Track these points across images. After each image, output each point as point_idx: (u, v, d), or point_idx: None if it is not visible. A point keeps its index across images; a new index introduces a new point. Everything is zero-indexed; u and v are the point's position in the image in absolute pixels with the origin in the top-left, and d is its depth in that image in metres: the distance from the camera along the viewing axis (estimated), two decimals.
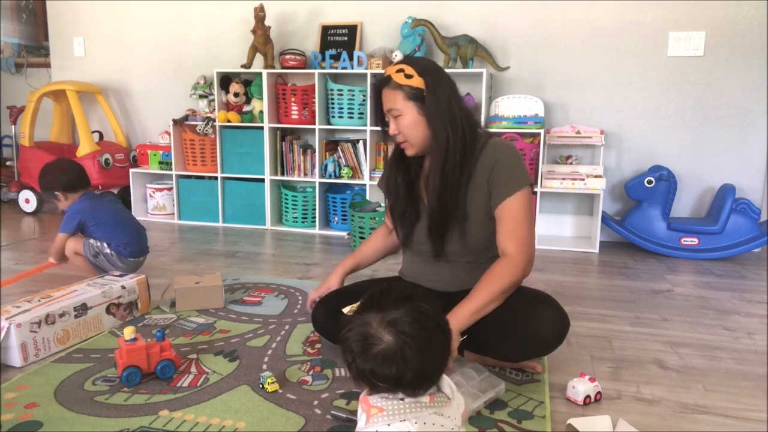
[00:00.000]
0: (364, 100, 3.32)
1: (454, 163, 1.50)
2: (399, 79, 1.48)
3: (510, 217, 1.49)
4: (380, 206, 3.14)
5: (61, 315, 1.71)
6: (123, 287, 1.94)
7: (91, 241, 2.32)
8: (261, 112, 3.50)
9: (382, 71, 3.20)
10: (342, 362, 1.02)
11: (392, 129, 1.52)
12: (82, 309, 1.78)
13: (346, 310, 1.20)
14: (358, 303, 1.03)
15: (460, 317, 1.41)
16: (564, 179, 3.09)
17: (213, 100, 3.62)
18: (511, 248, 1.47)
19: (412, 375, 0.93)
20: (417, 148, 1.53)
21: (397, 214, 1.65)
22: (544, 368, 1.61)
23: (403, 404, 0.95)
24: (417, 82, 1.47)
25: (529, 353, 1.54)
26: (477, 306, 1.43)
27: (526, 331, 1.47)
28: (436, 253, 1.60)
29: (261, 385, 1.47)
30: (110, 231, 2.33)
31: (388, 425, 0.93)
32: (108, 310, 1.88)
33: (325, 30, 3.55)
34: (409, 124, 1.49)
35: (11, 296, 2.18)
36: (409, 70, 1.48)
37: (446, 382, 1.01)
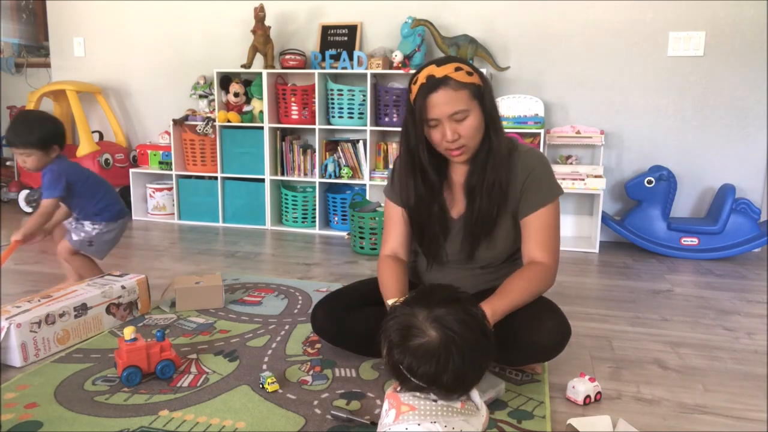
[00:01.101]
0: (364, 100, 3.32)
1: (501, 160, 1.45)
2: (461, 77, 1.36)
3: (543, 227, 1.47)
4: (380, 206, 3.13)
5: (61, 315, 1.71)
6: (123, 287, 1.94)
7: (74, 237, 2.14)
8: (261, 112, 3.50)
9: (383, 71, 3.24)
10: (383, 349, 0.99)
11: (450, 134, 1.37)
12: (82, 309, 1.78)
13: (390, 301, 1.15)
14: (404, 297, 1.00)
15: (497, 308, 1.35)
16: (564, 179, 3.08)
17: (213, 100, 3.62)
18: (546, 258, 1.46)
19: (452, 377, 0.90)
20: (471, 152, 1.42)
21: (427, 232, 1.54)
22: (544, 368, 1.61)
23: (436, 406, 0.93)
24: (476, 80, 1.39)
25: (529, 359, 1.54)
26: (514, 303, 1.39)
27: (526, 338, 1.44)
28: (468, 259, 1.55)
29: (261, 385, 1.47)
30: (97, 191, 2.14)
31: (418, 425, 0.91)
32: (108, 310, 1.88)
33: (325, 30, 3.55)
34: (476, 125, 1.39)
35: (11, 296, 2.18)
36: (467, 68, 1.38)
37: (476, 392, 0.99)
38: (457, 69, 1.37)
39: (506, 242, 1.54)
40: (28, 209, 3.87)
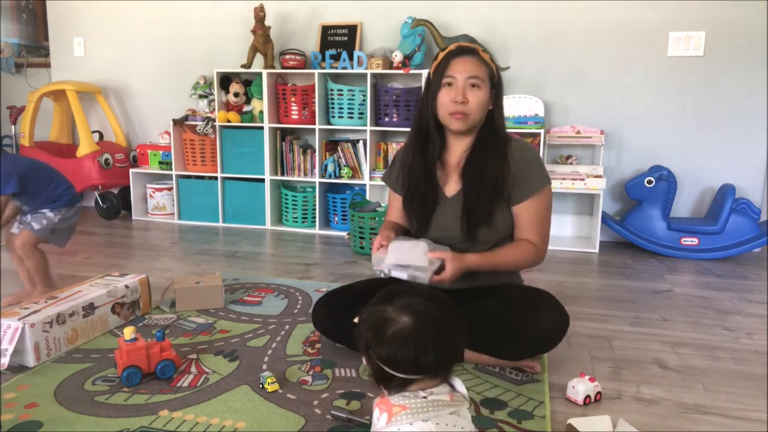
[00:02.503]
0: (364, 100, 3.32)
1: (498, 152, 1.56)
2: (486, 57, 1.55)
3: (534, 213, 1.56)
4: (380, 206, 3.13)
5: (71, 315, 1.71)
6: (127, 287, 1.94)
7: (36, 226, 2.07)
8: (261, 112, 3.50)
9: (383, 71, 3.23)
10: (364, 363, 1.02)
11: (460, 95, 1.50)
12: (89, 308, 1.78)
13: (356, 319, 1.20)
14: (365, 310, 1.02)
15: (472, 258, 1.50)
16: (564, 179, 3.08)
17: (213, 100, 3.62)
18: (535, 239, 1.56)
19: (433, 355, 0.93)
20: (469, 124, 1.55)
21: (417, 200, 1.62)
22: (543, 368, 1.61)
23: (426, 402, 0.94)
24: (494, 68, 1.57)
25: (529, 351, 1.56)
26: (494, 261, 1.52)
27: (525, 328, 1.48)
28: (468, 237, 1.58)
29: (261, 385, 1.47)
30: (52, 178, 2.11)
31: (411, 424, 0.92)
32: (113, 310, 1.88)
33: (325, 30, 3.54)
34: (484, 100, 1.53)
35: (11, 296, 2.18)
36: (489, 56, 1.57)
37: (460, 381, 1.01)
38: (484, 51, 1.57)
39: (505, 224, 1.59)
40: None
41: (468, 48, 1.55)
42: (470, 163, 1.57)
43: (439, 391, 0.97)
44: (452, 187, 1.61)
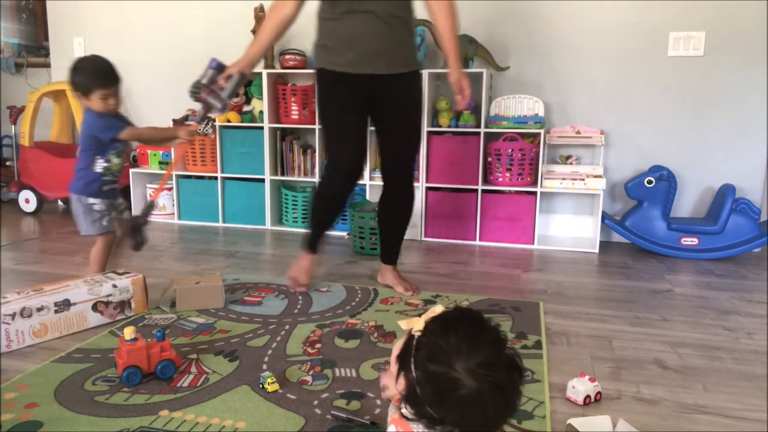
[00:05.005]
0: None
1: None
2: None
3: None
4: None
5: (39, 309, 1.74)
6: (114, 286, 1.94)
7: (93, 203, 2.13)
8: (261, 112, 3.50)
9: None
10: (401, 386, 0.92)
11: None
12: (64, 305, 1.80)
13: (407, 325, 0.96)
14: (422, 320, 0.92)
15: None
16: (564, 179, 3.08)
17: None
18: None
19: (495, 424, 0.88)
20: None
21: None
22: (543, 368, 1.61)
23: None
24: None
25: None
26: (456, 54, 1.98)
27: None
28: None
29: (261, 385, 1.47)
30: None
31: None
32: (95, 308, 1.89)
33: None
34: None
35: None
36: None
37: None
38: None
39: None
40: (29, 209, 3.88)
41: None
42: None
43: None
44: None
